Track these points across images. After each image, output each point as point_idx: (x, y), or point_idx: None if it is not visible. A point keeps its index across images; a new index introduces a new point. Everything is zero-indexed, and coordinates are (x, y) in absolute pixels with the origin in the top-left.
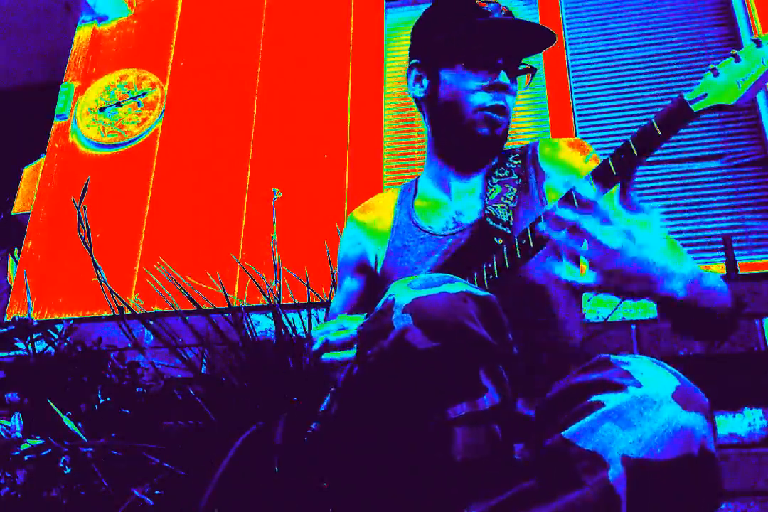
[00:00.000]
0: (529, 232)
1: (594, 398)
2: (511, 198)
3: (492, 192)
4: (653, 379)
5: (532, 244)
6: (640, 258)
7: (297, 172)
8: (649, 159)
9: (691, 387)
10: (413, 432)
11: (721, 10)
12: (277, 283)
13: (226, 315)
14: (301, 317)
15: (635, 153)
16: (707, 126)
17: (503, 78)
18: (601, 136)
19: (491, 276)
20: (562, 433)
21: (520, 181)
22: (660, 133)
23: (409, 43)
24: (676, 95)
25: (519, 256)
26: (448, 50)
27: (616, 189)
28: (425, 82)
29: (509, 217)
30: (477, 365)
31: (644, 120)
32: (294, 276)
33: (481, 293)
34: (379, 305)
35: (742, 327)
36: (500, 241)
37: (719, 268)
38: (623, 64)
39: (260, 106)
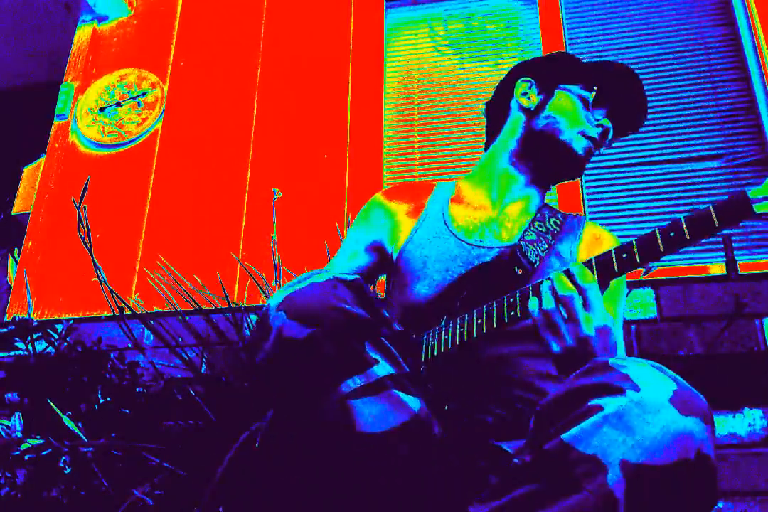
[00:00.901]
0: (530, 293)
1: (593, 402)
2: (543, 248)
3: (529, 235)
4: (651, 383)
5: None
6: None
7: (297, 172)
8: (649, 159)
9: (688, 391)
10: (318, 416)
11: (721, 10)
12: (277, 283)
13: (227, 315)
14: None
15: (661, 248)
16: (707, 126)
17: (606, 122)
18: None
19: (512, 313)
20: (562, 436)
21: (553, 242)
22: (688, 236)
23: (409, 43)
24: (738, 189)
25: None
26: (572, 75)
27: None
28: (536, 95)
29: (537, 260)
30: (360, 340)
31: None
32: (294, 276)
33: (350, 277)
34: (260, 314)
35: (742, 327)
36: (520, 272)
37: (719, 268)
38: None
39: (260, 106)
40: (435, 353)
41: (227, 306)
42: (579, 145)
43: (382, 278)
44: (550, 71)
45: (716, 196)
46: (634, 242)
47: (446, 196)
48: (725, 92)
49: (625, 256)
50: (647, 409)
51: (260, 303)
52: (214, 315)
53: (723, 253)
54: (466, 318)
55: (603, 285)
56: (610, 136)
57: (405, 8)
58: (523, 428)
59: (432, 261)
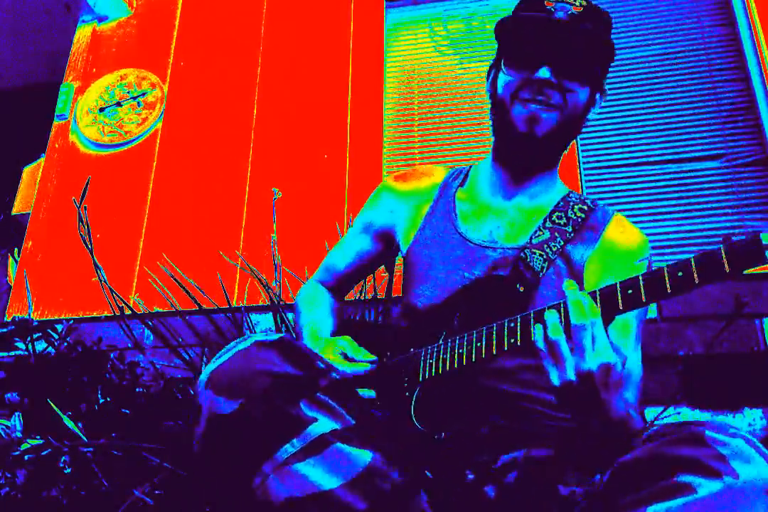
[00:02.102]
0: (532, 321)
1: (684, 478)
2: (554, 249)
3: (539, 235)
4: (751, 470)
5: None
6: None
7: (297, 172)
8: (649, 159)
9: None
10: (258, 493)
11: (721, 10)
12: (277, 283)
13: (227, 315)
14: None
15: (669, 291)
16: (707, 126)
17: (543, 73)
18: (601, 136)
19: (512, 341)
20: (647, 509)
21: (572, 235)
22: (697, 281)
23: (409, 43)
24: (749, 229)
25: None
26: (500, 45)
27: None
28: (490, 78)
29: (542, 267)
30: (293, 401)
31: (644, 121)
32: (294, 276)
33: (274, 337)
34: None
35: (742, 327)
36: (522, 289)
37: None
38: (623, 64)
39: (260, 106)
40: (433, 373)
41: (227, 306)
42: (520, 119)
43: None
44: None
45: (716, 196)
46: (640, 277)
47: (455, 185)
48: (725, 92)
49: (630, 292)
50: (744, 499)
51: (260, 303)
52: (214, 315)
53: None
54: (465, 339)
55: (607, 320)
56: (577, 87)
57: (405, 8)
58: (532, 437)
59: (437, 262)
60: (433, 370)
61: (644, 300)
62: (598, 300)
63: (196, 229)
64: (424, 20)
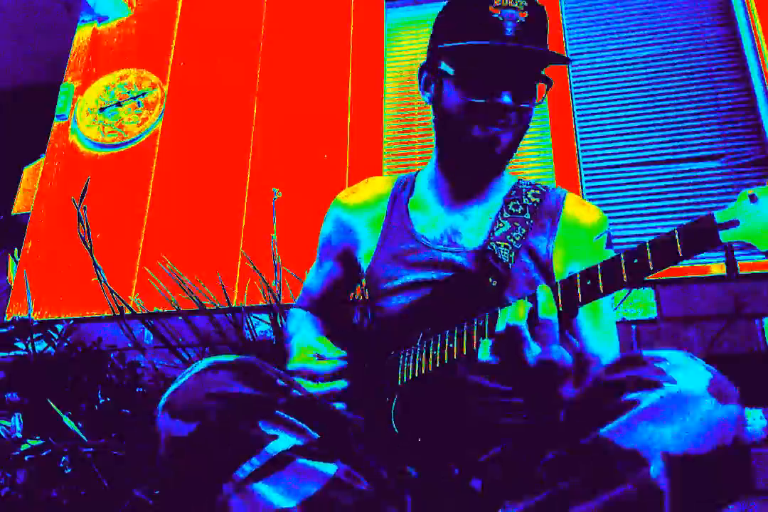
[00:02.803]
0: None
1: (629, 396)
2: (518, 238)
3: (500, 227)
4: (688, 374)
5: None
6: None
7: (297, 172)
8: (649, 159)
9: (724, 379)
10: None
11: (721, 10)
12: (277, 283)
13: (227, 315)
14: None
15: (625, 279)
16: (707, 126)
17: (505, 99)
18: (601, 136)
19: (483, 339)
20: (600, 431)
21: (531, 222)
22: (651, 266)
23: (409, 43)
24: (704, 212)
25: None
26: (450, 62)
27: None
28: (432, 87)
29: (510, 258)
30: (251, 420)
31: (644, 121)
32: (294, 276)
33: (230, 358)
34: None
35: (742, 327)
36: (495, 283)
37: (719, 268)
38: (623, 64)
39: (260, 106)
40: (410, 376)
41: (227, 306)
42: (482, 144)
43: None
44: (436, 58)
45: (716, 196)
46: (599, 267)
47: (405, 196)
48: (725, 92)
49: (589, 282)
50: (685, 401)
51: (260, 303)
52: (214, 315)
53: (723, 253)
54: (440, 340)
55: (571, 311)
56: (529, 100)
57: (405, 8)
58: (513, 431)
59: (401, 274)
60: (411, 374)
61: (602, 291)
62: (559, 293)
63: (196, 229)
64: (424, 20)
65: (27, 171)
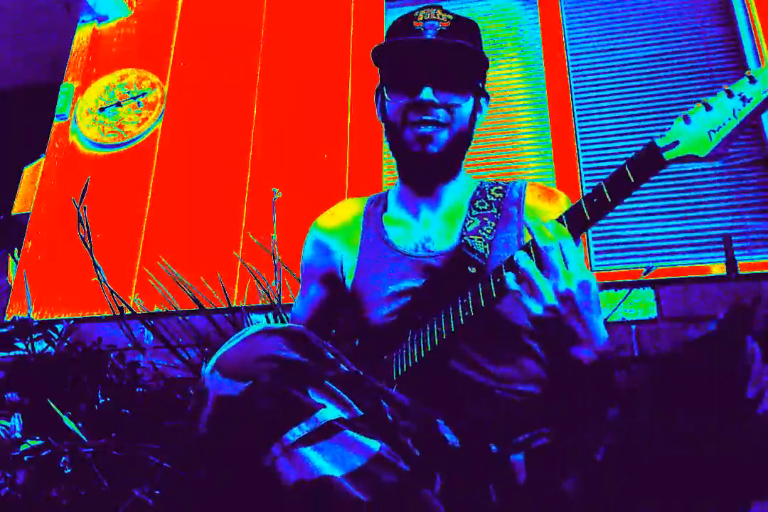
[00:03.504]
0: (503, 269)
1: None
2: (489, 231)
3: (470, 223)
4: None
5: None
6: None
7: (297, 172)
8: None
9: None
10: (266, 473)
11: (721, 10)
12: (277, 283)
13: (227, 315)
14: None
15: (608, 199)
16: None
17: (426, 95)
18: (601, 136)
19: (467, 313)
20: None
21: (499, 215)
22: (633, 180)
23: None
24: (647, 140)
25: (495, 294)
26: (380, 72)
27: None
28: (379, 104)
29: (485, 249)
30: (301, 386)
31: (644, 120)
32: (294, 276)
33: (282, 325)
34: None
35: None
36: (474, 270)
37: (719, 268)
38: (623, 64)
39: (260, 106)
40: (405, 368)
41: (227, 306)
42: (413, 142)
43: None
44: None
45: (716, 196)
46: (563, 216)
47: (378, 212)
48: None
49: (595, 200)
50: None
51: (260, 303)
52: (214, 315)
53: (723, 253)
54: (428, 328)
55: (576, 235)
56: (448, 102)
57: (405, 8)
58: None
59: (382, 284)
60: (404, 366)
61: (610, 201)
62: (564, 220)
63: (196, 229)
64: None
65: (27, 171)
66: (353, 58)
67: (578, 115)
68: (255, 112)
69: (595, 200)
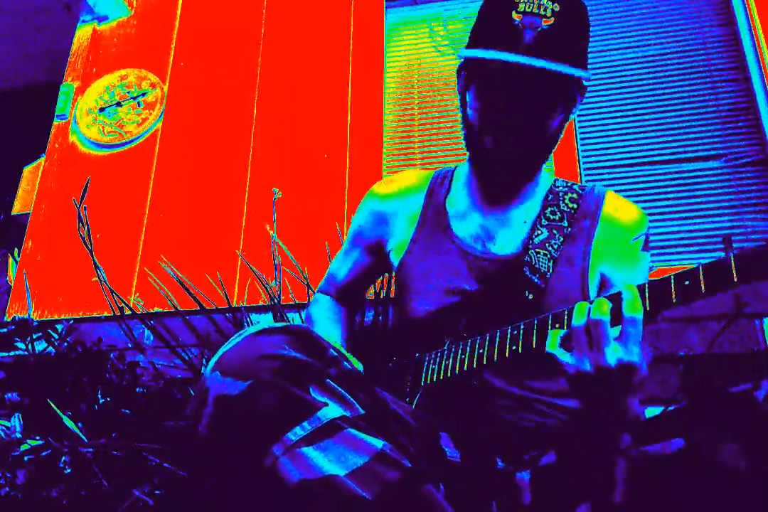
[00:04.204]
0: (566, 320)
1: None
2: (556, 247)
3: (538, 235)
4: None
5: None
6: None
7: (297, 172)
8: (649, 159)
9: None
10: (266, 474)
11: (721, 10)
12: (277, 283)
13: (227, 315)
14: (301, 317)
15: (703, 290)
16: (707, 126)
17: (515, 114)
18: (601, 137)
19: (514, 347)
20: None
21: (569, 229)
22: (735, 279)
23: (409, 43)
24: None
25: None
26: (470, 69)
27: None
28: (459, 87)
29: (548, 267)
30: (303, 385)
31: (644, 121)
32: (294, 276)
33: (283, 324)
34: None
35: (742, 327)
36: (531, 297)
37: None
38: (623, 64)
39: (260, 106)
40: (435, 378)
41: (227, 305)
42: (492, 150)
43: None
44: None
45: (716, 196)
46: (700, 267)
47: (442, 192)
48: (725, 92)
49: (687, 283)
50: None
51: (260, 303)
52: (214, 314)
53: (723, 253)
54: (469, 345)
55: (653, 314)
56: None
57: (405, 8)
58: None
59: (433, 275)
60: (436, 376)
61: (704, 291)
62: (646, 293)
63: (196, 229)
64: (424, 20)
65: (27, 171)
66: (353, 58)
67: (578, 115)
68: (255, 112)
69: (687, 283)
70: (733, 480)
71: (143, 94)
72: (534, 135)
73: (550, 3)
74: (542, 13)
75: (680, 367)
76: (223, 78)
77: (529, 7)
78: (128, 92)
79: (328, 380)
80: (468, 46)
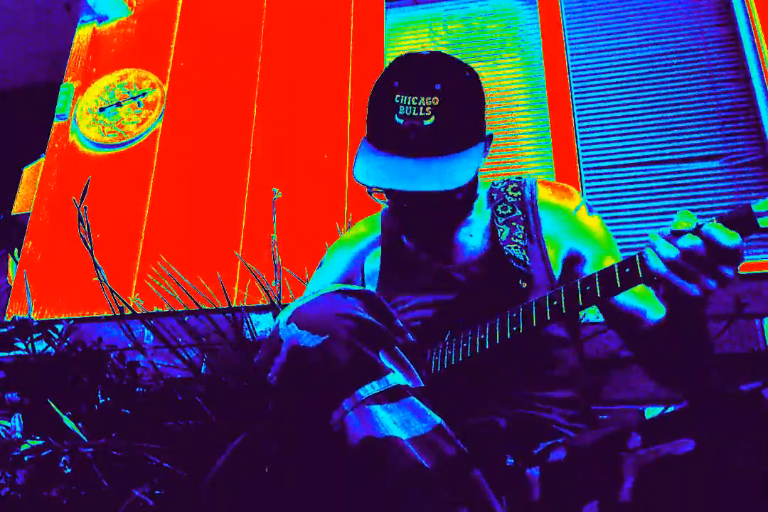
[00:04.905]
0: (579, 291)
1: None
2: (521, 237)
3: (502, 232)
4: None
5: (581, 302)
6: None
7: (297, 172)
8: (649, 159)
9: None
10: (333, 425)
11: (721, 10)
12: (277, 283)
13: (227, 315)
14: None
15: (640, 275)
16: (707, 126)
17: (415, 210)
18: (601, 137)
19: (515, 328)
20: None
21: (524, 218)
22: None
23: (409, 43)
24: (744, 202)
25: (549, 317)
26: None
27: None
28: None
29: (524, 257)
30: (374, 348)
31: (644, 121)
32: (294, 276)
33: (357, 287)
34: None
35: (742, 327)
36: (524, 285)
37: None
38: (623, 64)
39: (260, 106)
40: (439, 369)
41: (227, 306)
42: (410, 239)
43: None
44: None
45: (716, 196)
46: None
47: (396, 226)
48: (725, 92)
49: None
50: None
51: (260, 303)
52: (214, 315)
53: None
54: (470, 333)
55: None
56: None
57: (405, 8)
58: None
59: (409, 292)
60: (440, 366)
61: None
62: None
63: (196, 229)
64: (424, 20)
65: (27, 171)
66: (353, 58)
67: (578, 115)
68: (255, 112)
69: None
70: (745, 479)
71: (143, 94)
72: (448, 210)
73: (428, 100)
74: (421, 114)
75: None
76: (223, 78)
77: (408, 111)
78: (128, 92)
79: (396, 347)
80: (366, 134)
